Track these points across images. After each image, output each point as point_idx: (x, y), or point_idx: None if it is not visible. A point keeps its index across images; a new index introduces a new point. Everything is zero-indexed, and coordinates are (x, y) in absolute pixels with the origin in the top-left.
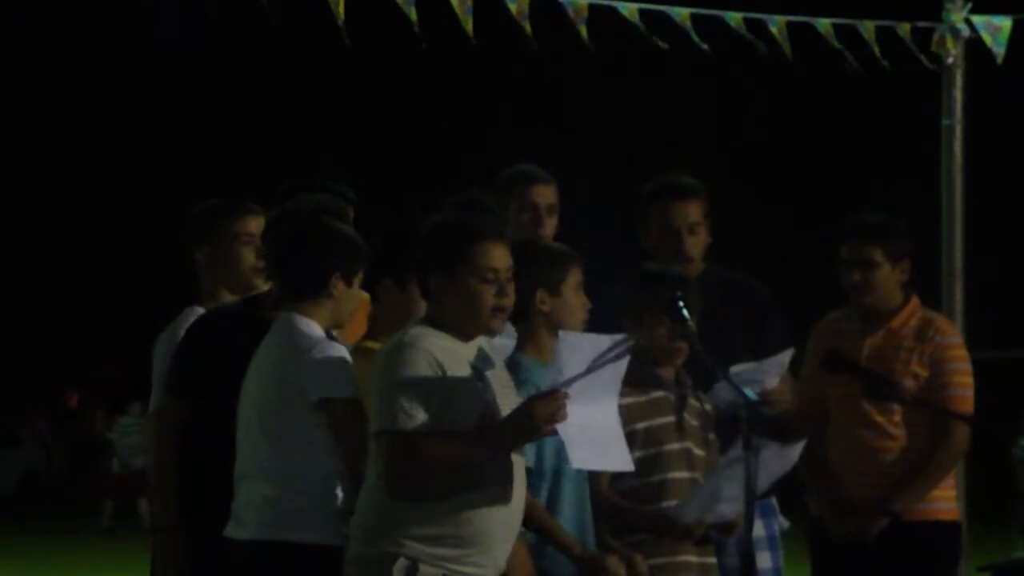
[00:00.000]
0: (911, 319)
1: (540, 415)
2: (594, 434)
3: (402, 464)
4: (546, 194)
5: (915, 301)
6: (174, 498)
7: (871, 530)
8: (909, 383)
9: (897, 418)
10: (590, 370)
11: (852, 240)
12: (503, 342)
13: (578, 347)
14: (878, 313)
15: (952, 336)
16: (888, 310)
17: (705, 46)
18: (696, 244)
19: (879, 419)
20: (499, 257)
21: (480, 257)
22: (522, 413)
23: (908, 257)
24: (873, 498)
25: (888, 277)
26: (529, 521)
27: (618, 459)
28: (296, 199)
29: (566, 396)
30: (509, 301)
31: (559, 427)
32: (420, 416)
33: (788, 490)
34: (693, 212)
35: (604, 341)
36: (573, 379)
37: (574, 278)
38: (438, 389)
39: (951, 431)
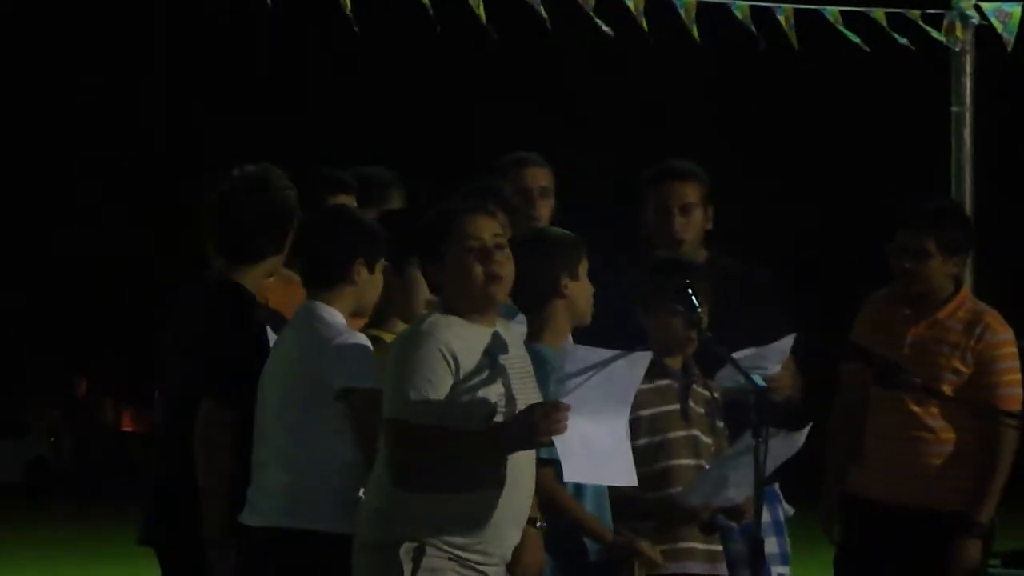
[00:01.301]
0: (959, 311)
1: (539, 426)
2: (597, 448)
3: (406, 455)
4: (538, 176)
5: (965, 292)
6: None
7: (970, 556)
8: (949, 378)
9: (934, 410)
10: (593, 382)
11: (908, 227)
12: (518, 328)
13: (584, 359)
14: (926, 302)
15: (1003, 332)
16: (936, 300)
17: (696, 34)
18: (687, 225)
19: (917, 410)
20: (480, 227)
21: (461, 231)
22: (522, 421)
23: (964, 251)
24: (900, 494)
25: (939, 269)
26: (559, 512)
27: (619, 474)
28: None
29: (567, 408)
30: (501, 268)
31: (556, 439)
32: (428, 407)
33: (792, 479)
34: (688, 193)
35: (613, 355)
36: (575, 387)
37: (585, 264)
38: (449, 378)
39: (1002, 429)
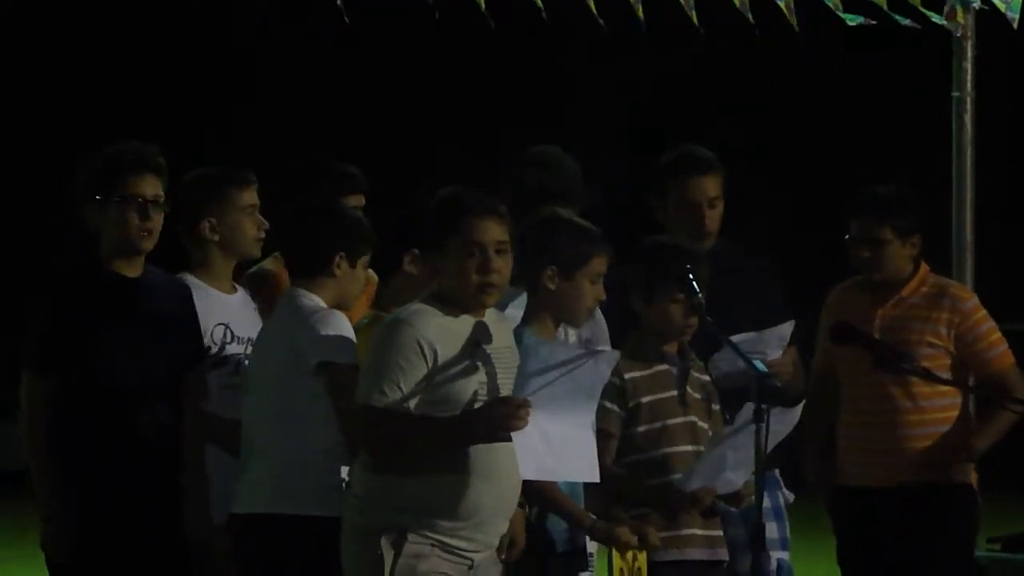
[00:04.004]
0: (922, 287)
1: (498, 420)
2: (559, 442)
3: (378, 439)
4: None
5: (924, 269)
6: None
7: (960, 479)
8: (926, 352)
9: (916, 391)
10: (556, 378)
11: (861, 217)
12: (514, 313)
13: (549, 357)
14: (888, 284)
15: (969, 300)
16: (898, 282)
17: (696, 20)
18: (714, 218)
19: (894, 391)
20: (485, 231)
21: (465, 231)
22: (483, 415)
23: (919, 232)
24: (885, 474)
25: (898, 253)
26: (535, 496)
27: (580, 470)
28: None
29: (528, 404)
30: (497, 277)
31: (516, 436)
32: (400, 394)
33: (792, 465)
34: (712, 187)
35: (578, 353)
36: (537, 387)
37: (595, 267)
38: (423, 367)
39: (1007, 382)
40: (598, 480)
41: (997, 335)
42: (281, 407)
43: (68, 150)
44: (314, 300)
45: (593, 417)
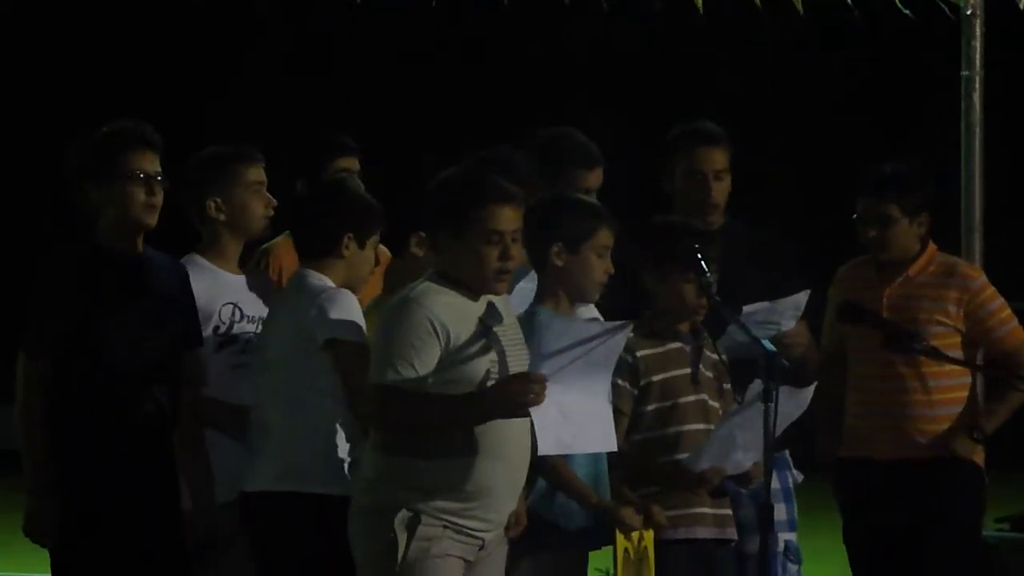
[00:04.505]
0: (929, 266)
1: (515, 397)
2: (574, 417)
3: (391, 420)
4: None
5: (932, 248)
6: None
7: (962, 453)
8: (935, 331)
9: (925, 370)
10: (572, 353)
11: (868, 195)
12: (525, 286)
13: (563, 331)
14: (895, 264)
15: (978, 276)
16: (905, 261)
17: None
18: (721, 190)
19: (903, 371)
20: (505, 219)
21: (486, 219)
22: (499, 391)
23: (926, 209)
24: (891, 450)
25: (906, 232)
26: (543, 469)
27: (597, 441)
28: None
29: (544, 379)
30: (513, 264)
31: (533, 411)
32: (413, 373)
33: (801, 445)
34: (719, 159)
35: (593, 328)
36: (553, 361)
37: (601, 240)
38: (436, 346)
39: (1019, 359)
40: (615, 449)
41: (1007, 312)
42: (289, 386)
43: (58, 130)
44: (323, 280)
45: (608, 387)
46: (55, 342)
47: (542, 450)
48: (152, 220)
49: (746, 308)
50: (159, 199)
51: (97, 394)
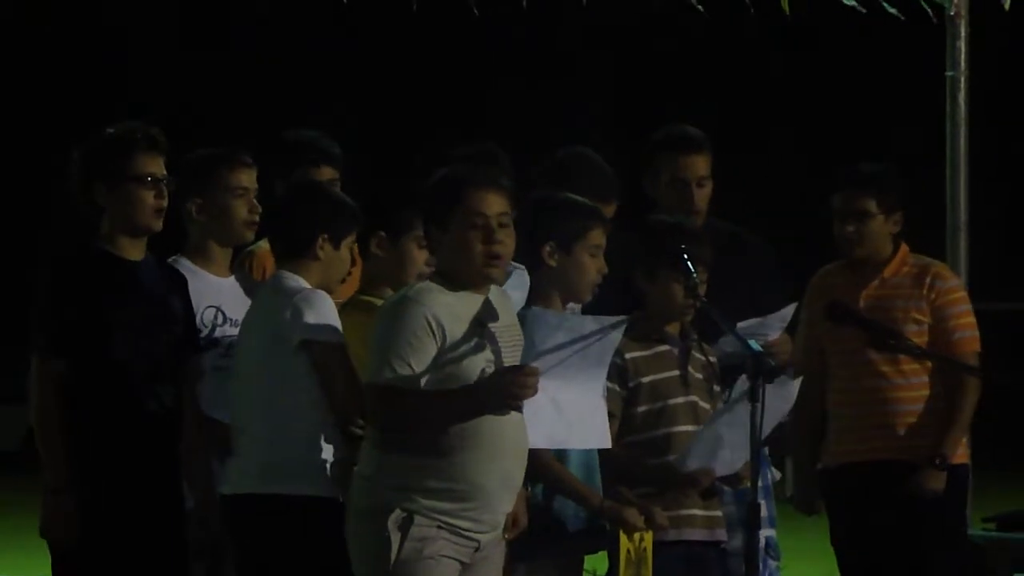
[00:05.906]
0: (904, 267)
1: (508, 390)
2: (568, 412)
3: (387, 419)
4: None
5: (904, 249)
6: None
7: (933, 487)
8: (912, 330)
9: (906, 367)
10: (564, 348)
11: (846, 190)
12: (517, 295)
13: (556, 325)
14: (869, 264)
15: (951, 280)
16: (879, 261)
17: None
18: (704, 197)
19: (886, 369)
20: (486, 203)
21: (468, 203)
22: (492, 384)
23: (901, 208)
24: (877, 450)
25: (881, 228)
26: (544, 473)
27: (590, 437)
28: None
29: (536, 372)
30: (502, 248)
31: (526, 404)
32: (409, 371)
33: (779, 444)
34: (701, 166)
35: (588, 324)
36: (546, 355)
37: (593, 240)
38: (432, 345)
39: (964, 376)
40: (609, 446)
41: (970, 319)
42: (266, 387)
43: (57, 132)
44: (298, 281)
45: (603, 383)
46: (68, 342)
47: (534, 443)
48: (158, 224)
49: (739, 324)
50: (165, 202)
51: (107, 394)
